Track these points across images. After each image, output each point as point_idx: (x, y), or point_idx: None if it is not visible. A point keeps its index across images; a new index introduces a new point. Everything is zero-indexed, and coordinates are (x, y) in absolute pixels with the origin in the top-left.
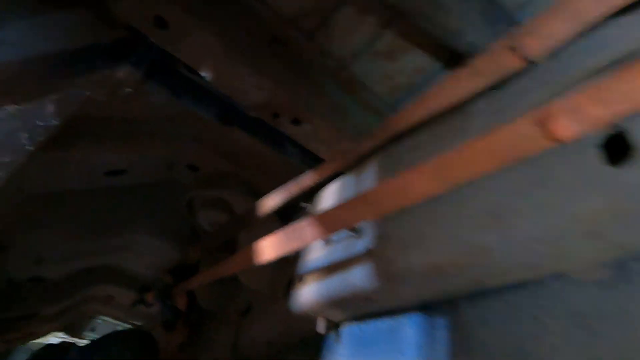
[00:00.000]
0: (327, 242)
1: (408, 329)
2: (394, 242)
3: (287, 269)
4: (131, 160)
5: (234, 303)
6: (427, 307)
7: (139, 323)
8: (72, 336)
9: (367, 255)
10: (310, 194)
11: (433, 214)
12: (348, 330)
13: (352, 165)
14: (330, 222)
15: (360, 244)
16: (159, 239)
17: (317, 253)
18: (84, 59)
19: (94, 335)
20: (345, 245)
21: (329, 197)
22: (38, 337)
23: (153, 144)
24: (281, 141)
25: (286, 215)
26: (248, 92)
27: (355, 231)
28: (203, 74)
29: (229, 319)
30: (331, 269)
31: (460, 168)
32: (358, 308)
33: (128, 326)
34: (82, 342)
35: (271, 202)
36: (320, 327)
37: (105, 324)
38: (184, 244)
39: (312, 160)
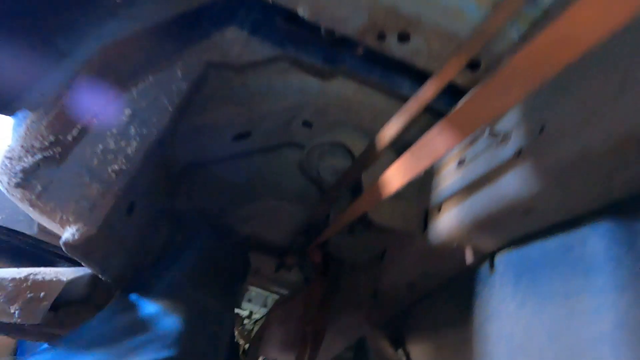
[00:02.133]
0: (461, 163)
1: (593, 242)
2: (556, 127)
3: (421, 200)
4: (253, 120)
5: (368, 249)
6: (618, 208)
7: (284, 291)
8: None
9: (519, 156)
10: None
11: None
12: (505, 258)
13: None
14: (465, 122)
15: (507, 149)
16: (288, 202)
17: (452, 177)
18: (196, 24)
19: (251, 306)
20: (486, 157)
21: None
22: None
23: (268, 101)
24: (388, 74)
25: None
26: (348, 18)
27: (496, 135)
28: (301, 12)
29: (365, 266)
30: (474, 186)
31: None
32: (515, 227)
33: (276, 296)
34: (242, 313)
35: (390, 130)
36: (469, 259)
37: (257, 296)
38: (312, 203)
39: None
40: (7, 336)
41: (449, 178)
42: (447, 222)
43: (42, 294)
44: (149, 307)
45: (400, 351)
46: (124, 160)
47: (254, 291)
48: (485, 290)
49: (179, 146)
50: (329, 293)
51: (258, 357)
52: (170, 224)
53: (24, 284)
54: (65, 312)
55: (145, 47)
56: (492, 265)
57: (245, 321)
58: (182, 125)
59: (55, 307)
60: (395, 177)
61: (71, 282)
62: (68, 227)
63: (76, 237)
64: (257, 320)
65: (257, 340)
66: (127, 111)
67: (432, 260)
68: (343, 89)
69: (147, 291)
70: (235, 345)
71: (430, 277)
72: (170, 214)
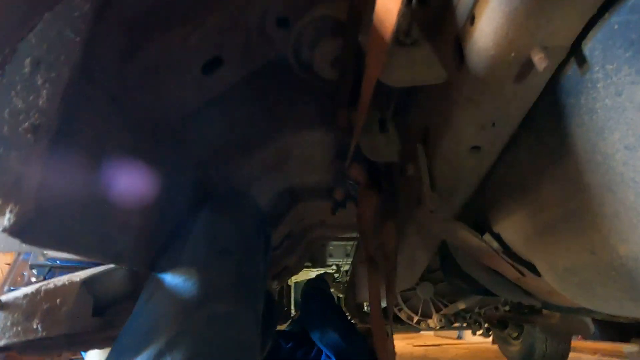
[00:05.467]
0: None
1: None
2: None
3: (444, 29)
4: (215, 37)
5: (408, 135)
6: None
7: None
8: (320, 267)
9: None
10: None
11: None
12: (602, 36)
13: None
14: None
15: None
16: (307, 130)
17: None
18: None
19: (334, 260)
20: None
21: None
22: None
23: (226, 3)
24: None
25: None
26: None
27: None
28: None
29: (410, 154)
30: None
31: None
32: None
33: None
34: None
35: None
36: (541, 63)
37: (337, 248)
38: (331, 121)
39: None
40: (59, 354)
41: None
42: (490, 26)
43: (58, 300)
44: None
45: (487, 236)
46: (37, 115)
47: (331, 245)
48: (583, 100)
49: (142, 98)
50: (387, 208)
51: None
52: (187, 192)
53: (38, 297)
54: (112, 313)
55: None
56: (581, 61)
57: (336, 275)
58: (130, 69)
59: (99, 311)
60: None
61: (101, 281)
62: (4, 213)
63: (12, 220)
64: (346, 271)
65: (351, 288)
66: (28, 60)
67: (488, 99)
68: None
69: (174, 265)
70: (274, 306)
71: (493, 127)
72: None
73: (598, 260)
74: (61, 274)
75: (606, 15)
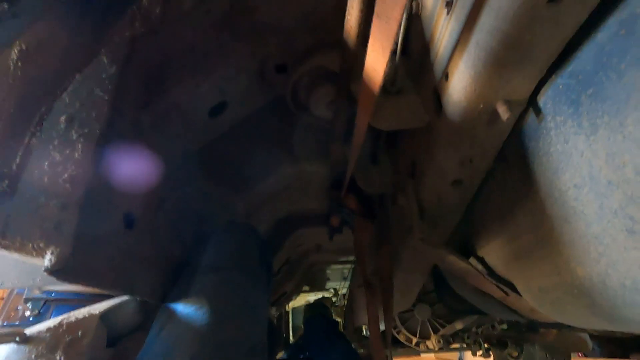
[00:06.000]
0: (449, 5)
1: None
2: None
3: (424, 83)
4: (221, 84)
5: (396, 168)
6: None
7: (351, 258)
8: (318, 291)
9: None
10: None
11: None
12: (550, 92)
13: None
14: None
15: None
16: (306, 162)
17: (447, 30)
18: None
19: (332, 283)
20: None
21: None
22: (293, 298)
23: (230, 54)
24: None
25: None
26: None
27: None
28: None
29: (400, 186)
30: (474, 14)
31: None
32: (548, 39)
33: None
34: (328, 294)
35: (352, 16)
36: (504, 114)
37: (334, 272)
38: (324, 154)
39: None
40: None
41: (445, 34)
42: (460, 84)
43: (79, 332)
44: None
45: (472, 260)
46: (73, 167)
47: (328, 269)
48: (541, 144)
49: (154, 141)
50: (381, 234)
51: (355, 328)
52: (192, 226)
53: (60, 330)
54: (124, 344)
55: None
56: (537, 111)
57: (334, 299)
58: (145, 116)
59: (112, 342)
60: (376, 56)
61: (114, 313)
62: (45, 255)
63: (53, 261)
64: (344, 295)
65: (349, 312)
66: (63, 117)
67: (464, 141)
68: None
69: (184, 296)
70: (275, 331)
71: (472, 163)
72: (188, 216)
73: (563, 281)
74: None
75: (552, 77)
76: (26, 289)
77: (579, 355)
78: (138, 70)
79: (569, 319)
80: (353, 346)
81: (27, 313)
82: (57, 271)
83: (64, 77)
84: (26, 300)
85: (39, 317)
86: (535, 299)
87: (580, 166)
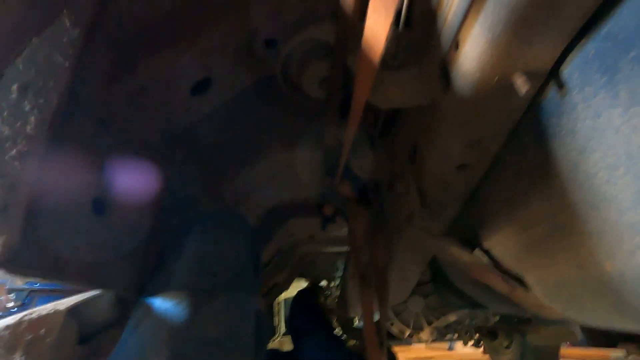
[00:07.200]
0: None
1: None
2: None
3: (430, 55)
4: (205, 59)
5: (396, 152)
6: None
7: (346, 249)
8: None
9: None
10: None
11: None
12: (578, 62)
13: None
14: None
15: None
16: (298, 148)
17: None
18: None
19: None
20: None
21: None
22: (285, 289)
23: (215, 25)
24: None
25: None
26: None
27: None
28: None
29: (399, 171)
30: None
31: None
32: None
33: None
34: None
35: None
36: (522, 88)
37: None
38: (319, 138)
39: None
40: None
41: None
42: (473, 52)
43: (42, 331)
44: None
45: (477, 251)
46: (24, 142)
47: (320, 259)
48: (564, 121)
49: (130, 120)
50: (376, 223)
51: (348, 319)
52: (174, 213)
53: (21, 327)
54: (98, 341)
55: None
56: (560, 84)
57: (327, 292)
58: (117, 90)
59: (85, 339)
60: (378, 20)
61: (87, 308)
62: None
63: None
64: (337, 285)
65: (341, 303)
66: (15, 86)
67: (473, 120)
68: None
69: (163, 289)
70: (265, 324)
71: (480, 145)
72: (169, 203)
73: (586, 275)
74: (41, 297)
75: (582, 41)
76: (9, 279)
77: (566, 344)
78: (108, 37)
79: (587, 317)
80: (340, 334)
81: (10, 304)
82: (5, 262)
83: (18, 40)
84: (9, 291)
85: (21, 308)
86: (548, 294)
87: (615, 144)
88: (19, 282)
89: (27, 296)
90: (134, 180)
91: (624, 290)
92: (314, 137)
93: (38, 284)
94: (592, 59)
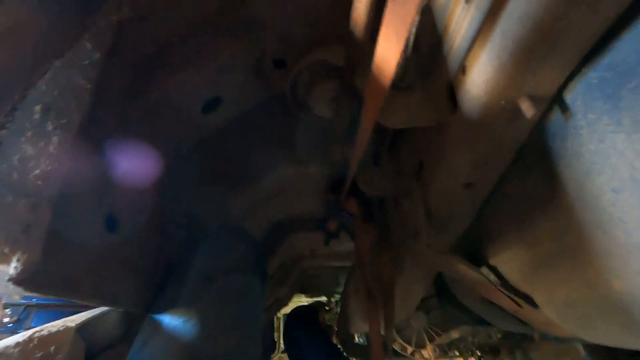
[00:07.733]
0: None
1: None
2: None
3: (437, 78)
4: (215, 79)
5: (402, 169)
6: None
7: (348, 264)
8: (311, 297)
9: None
10: None
11: None
12: (581, 87)
13: None
14: None
15: None
16: (302, 164)
17: (466, 19)
18: None
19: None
20: None
21: None
22: (286, 304)
23: (225, 47)
24: None
25: None
26: None
27: None
28: None
29: (405, 188)
30: (498, 6)
31: None
32: (581, 31)
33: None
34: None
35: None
36: (529, 112)
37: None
38: (324, 154)
39: None
40: None
41: (463, 24)
42: (480, 78)
43: (52, 348)
44: (174, 325)
45: (484, 269)
46: (47, 162)
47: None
48: (569, 143)
49: (142, 137)
50: (382, 239)
51: (349, 335)
52: (182, 229)
53: (31, 345)
54: (104, 358)
55: (43, 28)
56: (564, 109)
57: (327, 307)
58: (132, 109)
59: (91, 356)
60: (389, 46)
61: (94, 325)
62: (10, 262)
63: (19, 269)
64: (337, 301)
65: (342, 319)
66: (38, 107)
67: (480, 141)
68: None
69: (172, 306)
70: (266, 339)
71: (487, 165)
72: (178, 219)
73: (596, 294)
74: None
75: (584, 70)
76: (6, 294)
77: None
78: (125, 60)
79: (597, 336)
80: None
81: (6, 319)
82: (24, 280)
83: (42, 63)
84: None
85: (18, 324)
86: (557, 313)
87: (619, 168)
88: (15, 297)
89: (23, 311)
90: (144, 196)
91: (633, 309)
92: (322, 153)
93: (35, 299)
94: (595, 87)
